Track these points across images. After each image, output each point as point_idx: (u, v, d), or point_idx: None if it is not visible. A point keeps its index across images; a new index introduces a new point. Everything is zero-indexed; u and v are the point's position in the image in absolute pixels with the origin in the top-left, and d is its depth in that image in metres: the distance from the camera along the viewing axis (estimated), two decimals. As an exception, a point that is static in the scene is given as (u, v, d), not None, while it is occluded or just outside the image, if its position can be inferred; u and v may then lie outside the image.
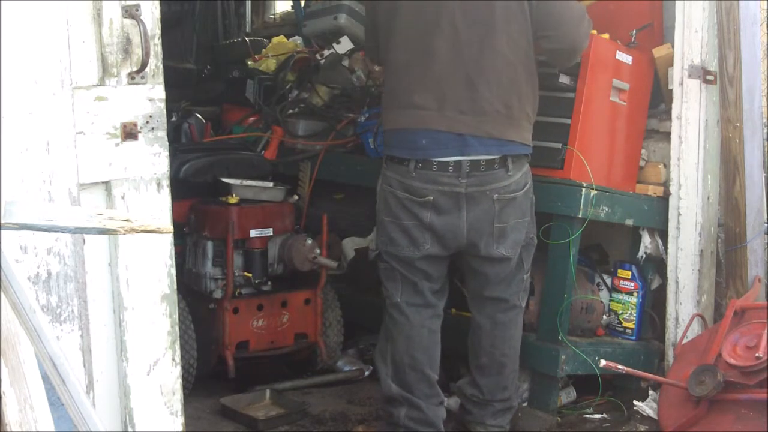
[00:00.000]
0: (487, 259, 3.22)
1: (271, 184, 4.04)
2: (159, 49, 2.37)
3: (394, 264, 3.27)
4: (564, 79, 3.55)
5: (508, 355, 3.34)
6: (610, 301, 3.90)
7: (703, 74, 3.65)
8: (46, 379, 1.79)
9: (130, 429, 2.42)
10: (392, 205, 3.22)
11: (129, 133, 2.33)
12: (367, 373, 4.04)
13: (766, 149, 3.90)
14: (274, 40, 5.75)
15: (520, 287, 3.33)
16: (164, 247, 2.42)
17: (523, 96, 3.16)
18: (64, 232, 1.93)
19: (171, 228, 2.01)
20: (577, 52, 3.27)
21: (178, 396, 2.49)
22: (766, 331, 3.19)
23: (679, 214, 3.74)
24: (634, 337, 3.84)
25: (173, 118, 4.70)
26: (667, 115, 3.81)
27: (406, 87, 3.18)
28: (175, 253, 2.47)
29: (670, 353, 3.76)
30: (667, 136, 3.80)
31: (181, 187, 3.68)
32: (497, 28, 3.09)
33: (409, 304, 3.27)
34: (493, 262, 3.22)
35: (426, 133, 3.13)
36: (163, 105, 2.39)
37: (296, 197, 4.18)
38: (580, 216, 3.47)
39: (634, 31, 3.82)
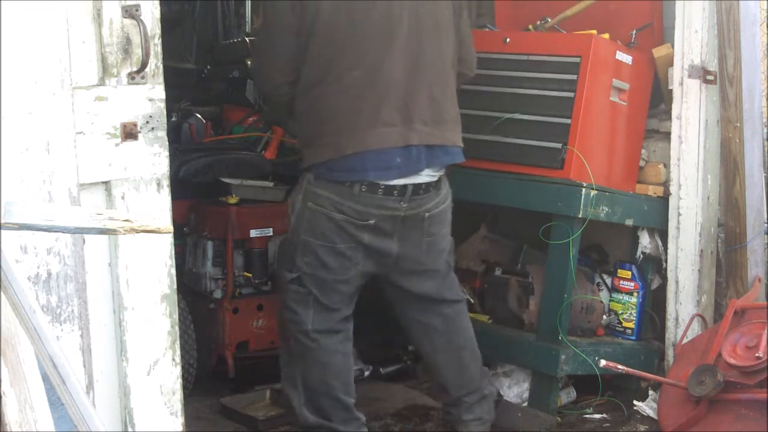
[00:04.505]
0: (422, 274, 3.22)
1: (271, 184, 4.04)
2: (159, 49, 2.37)
3: (313, 289, 3.12)
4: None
5: (464, 347, 3.34)
6: (610, 301, 3.90)
7: (703, 74, 3.65)
8: (46, 379, 1.79)
9: (130, 429, 2.41)
10: (325, 228, 3.05)
11: (129, 133, 2.33)
12: (367, 373, 4.03)
13: (766, 149, 3.90)
14: (274, 40, 5.74)
15: (456, 283, 3.36)
16: (164, 247, 2.42)
17: (456, 102, 3.20)
18: (64, 232, 1.93)
19: (171, 228, 2.01)
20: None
21: (178, 396, 2.49)
22: (766, 331, 3.19)
23: (679, 214, 3.74)
24: (634, 337, 3.84)
25: (173, 118, 4.69)
26: (667, 115, 3.81)
27: (369, 104, 2.98)
28: (175, 253, 2.47)
29: (670, 353, 3.77)
30: (667, 136, 3.80)
31: (181, 187, 3.68)
32: (442, 35, 3.10)
33: (319, 332, 3.15)
34: (428, 274, 3.23)
35: (399, 150, 3.02)
36: (163, 105, 2.39)
37: (296, 197, 4.17)
38: (580, 216, 3.47)
39: (634, 31, 3.83)
